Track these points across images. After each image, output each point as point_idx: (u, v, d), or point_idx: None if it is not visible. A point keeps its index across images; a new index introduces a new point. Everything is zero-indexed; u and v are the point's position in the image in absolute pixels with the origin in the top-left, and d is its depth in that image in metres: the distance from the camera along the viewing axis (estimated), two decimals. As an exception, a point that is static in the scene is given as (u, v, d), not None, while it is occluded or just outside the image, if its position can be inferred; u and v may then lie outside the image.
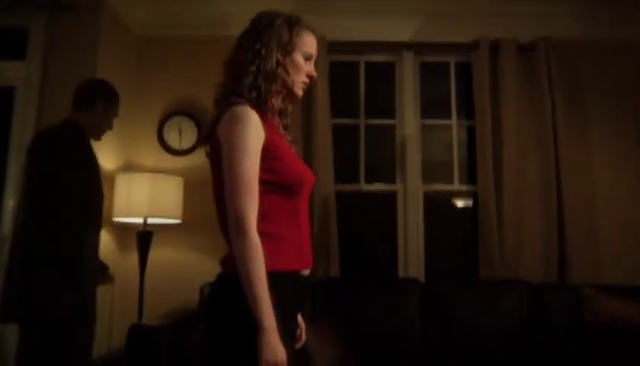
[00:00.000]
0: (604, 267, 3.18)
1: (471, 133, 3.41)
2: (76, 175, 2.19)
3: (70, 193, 2.16)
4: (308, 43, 1.46)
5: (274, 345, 1.21)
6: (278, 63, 1.40)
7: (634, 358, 2.51)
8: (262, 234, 1.27)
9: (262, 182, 1.31)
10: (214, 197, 1.40)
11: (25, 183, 2.23)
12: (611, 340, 2.62)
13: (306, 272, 1.43)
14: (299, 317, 1.51)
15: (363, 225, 3.49)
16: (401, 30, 3.40)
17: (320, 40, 2.67)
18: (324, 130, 3.18)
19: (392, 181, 3.40)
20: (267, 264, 1.24)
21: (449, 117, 3.46)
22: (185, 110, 3.33)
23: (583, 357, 2.65)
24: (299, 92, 1.47)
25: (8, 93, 2.94)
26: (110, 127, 2.44)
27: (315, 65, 1.51)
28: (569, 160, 3.17)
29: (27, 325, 2.16)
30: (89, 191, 2.27)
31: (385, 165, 3.43)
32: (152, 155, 3.31)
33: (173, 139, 3.31)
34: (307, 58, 1.47)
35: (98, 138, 2.40)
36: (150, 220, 2.95)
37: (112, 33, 3.10)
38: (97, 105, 2.33)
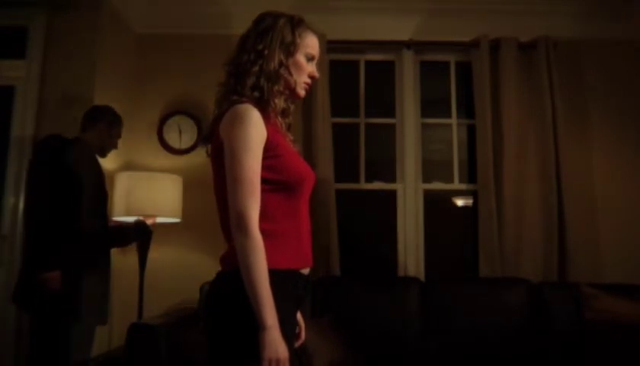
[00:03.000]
0: (604, 266, 3.18)
1: (471, 131, 3.41)
2: (85, 177, 2.42)
3: (80, 193, 2.36)
4: (311, 44, 1.46)
5: (276, 342, 1.21)
6: (281, 64, 1.41)
7: (634, 357, 2.51)
8: (262, 232, 1.27)
9: (263, 180, 1.31)
10: (215, 196, 1.40)
11: (35, 181, 2.31)
12: (611, 338, 2.62)
13: (306, 270, 1.43)
14: (299, 315, 1.51)
15: (363, 224, 3.49)
16: (401, 29, 3.40)
17: (320, 39, 2.67)
18: (324, 128, 3.18)
19: (392, 179, 3.40)
20: (267, 262, 1.25)
21: (449, 115, 3.46)
22: (185, 110, 3.33)
23: (583, 355, 2.65)
24: (302, 93, 1.48)
25: (7, 92, 2.94)
26: (114, 147, 2.68)
27: (316, 64, 1.51)
28: (569, 159, 3.17)
29: (32, 315, 2.36)
30: (96, 192, 2.50)
31: (385, 163, 3.43)
32: (152, 154, 3.31)
33: (173, 138, 3.32)
34: (309, 59, 1.47)
35: (103, 155, 2.63)
36: (150, 219, 2.94)
37: (112, 32, 3.10)
38: (99, 127, 2.57)
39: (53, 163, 2.30)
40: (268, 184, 1.32)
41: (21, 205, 2.80)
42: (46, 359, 2.27)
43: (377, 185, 3.43)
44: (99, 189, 2.51)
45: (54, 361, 2.26)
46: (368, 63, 3.51)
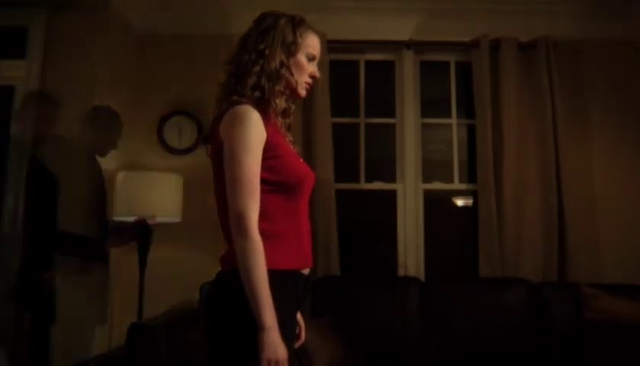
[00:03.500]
0: (604, 266, 3.18)
1: (471, 131, 3.41)
2: (84, 177, 2.55)
3: (78, 193, 2.47)
4: (312, 44, 1.47)
5: (275, 343, 1.22)
6: (282, 64, 1.41)
7: (634, 357, 2.51)
8: (262, 233, 1.27)
9: (263, 181, 1.31)
10: (216, 197, 1.41)
11: (31, 183, 2.32)
12: (611, 338, 2.62)
13: (306, 271, 1.43)
14: (299, 316, 1.51)
15: (363, 224, 3.49)
16: (401, 29, 3.39)
17: (320, 39, 2.68)
18: (324, 128, 3.18)
19: (392, 179, 3.40)
20: (267, 263, 1.25)
21: (449, 115, 3.46)
22: (185, 110, 3.33)
23: (583, 355, 2.65)
24: (303, 93, 1.48)
25: (7, 92, 2.93)
26: (113, 146, 2.76)
27: (317, 64, 1.51)
28: (569, 159, 3.17)
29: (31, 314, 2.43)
30: (94, 192, 2.58)
31: (385, 163, 3.42)
32: (152, 154, 3.31)
33: (173, 138, 3.31)
34: (310, 58, 1.47)
35: (102, 155, 2.73)
36: (150, 219, 2.94)
37: (112, 32, 3.10)
38: (98, 127, 2.67)
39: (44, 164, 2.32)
40: (268, 184, 1.32)
41: (21, 205, 2.80)
42: (43, 359, 2.28)
43: (377, 185, 3.43)
44: (97, 189, 2.52)
45: (49, 361, 2.27)
46: (368, 63, 3.50)
